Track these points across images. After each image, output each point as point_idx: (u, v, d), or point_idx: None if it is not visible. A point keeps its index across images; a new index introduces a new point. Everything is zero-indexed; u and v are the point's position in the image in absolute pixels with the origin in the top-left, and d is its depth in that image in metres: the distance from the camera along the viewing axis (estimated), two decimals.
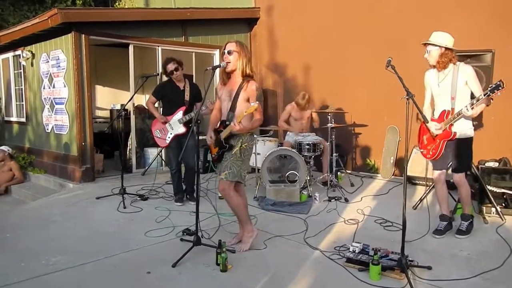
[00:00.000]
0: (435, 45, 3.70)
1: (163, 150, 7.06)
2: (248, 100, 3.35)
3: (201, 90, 5.31)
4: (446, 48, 3.67)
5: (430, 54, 3.74)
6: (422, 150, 4.02)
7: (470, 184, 3.92)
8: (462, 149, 3.78)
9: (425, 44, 3.77)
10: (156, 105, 5.28)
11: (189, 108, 5.09)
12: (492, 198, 4.37)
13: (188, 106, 5.08)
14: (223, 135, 3.45)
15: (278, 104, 8.20)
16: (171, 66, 4.98)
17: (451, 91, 3.70)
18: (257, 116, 3.38)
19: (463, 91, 3.69)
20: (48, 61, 6.86)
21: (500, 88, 3.32)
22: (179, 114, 5.03)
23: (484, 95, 3.42)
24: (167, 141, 5.05)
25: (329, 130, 5.73)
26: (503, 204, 4.52)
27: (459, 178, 3.84)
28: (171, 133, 5.05)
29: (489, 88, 3.40)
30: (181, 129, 5.02)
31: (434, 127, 3.79)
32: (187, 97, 5.08)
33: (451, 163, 3.95)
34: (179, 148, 4.95)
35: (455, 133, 3.71)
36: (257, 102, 3.28)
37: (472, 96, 3.65)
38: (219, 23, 7.91)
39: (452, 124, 3.72)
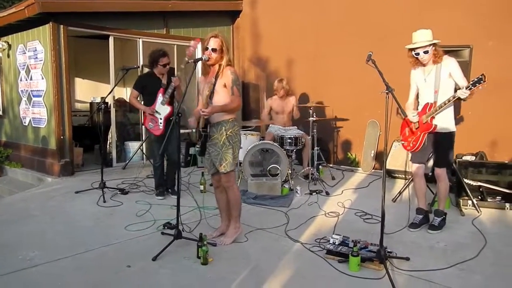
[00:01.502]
0: (430, 45, 3.67)
1: (144, 144, 6.99)
2: (225, 86, 3.39)
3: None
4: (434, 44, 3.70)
5: (428, 54, 3.69)
6: (403, 142, 4.07)
7: (448, 177, 3.98)
8: (444, 143, 3.82)
9: (415, 48, 3.71)
10: (139, 99, 5.22)
11: (167, 88, 5.03)
12: (468, 191, 4.47)
13: (164, 88, 5.02)
14: (201, 124, 3.48)
15: (261, 98, 8.18)
16: (165, 60, 4.92)
17: (434, 84, 3.75)
18: (233, 99, 3.39)
19: (447, 84, 3.71)
20: (25, 53, 6.69)
21: (481, 82, 3.36)
22: (159, 97, 4.99)
23: (466, 88, 3.45)
24: (161, 127, 4.98)
25: (310, 124, 5.76)
26: (479, 197, 4.63)
27: (441, 172, 3.89)
28: (161, 118, 5.00)
29: (471, 82, 3.43)
30: (167, 109, 4.98)
31: (411, 114, 3.85)
32: (164, 81, 5.04)
33: (431, 156, 4.02)
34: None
35: (435, 125, 3.75)
36: None
37: (456, 89, 3.68)
38: (202, 15, 7.84)
39: (433, 117, 3.76)
